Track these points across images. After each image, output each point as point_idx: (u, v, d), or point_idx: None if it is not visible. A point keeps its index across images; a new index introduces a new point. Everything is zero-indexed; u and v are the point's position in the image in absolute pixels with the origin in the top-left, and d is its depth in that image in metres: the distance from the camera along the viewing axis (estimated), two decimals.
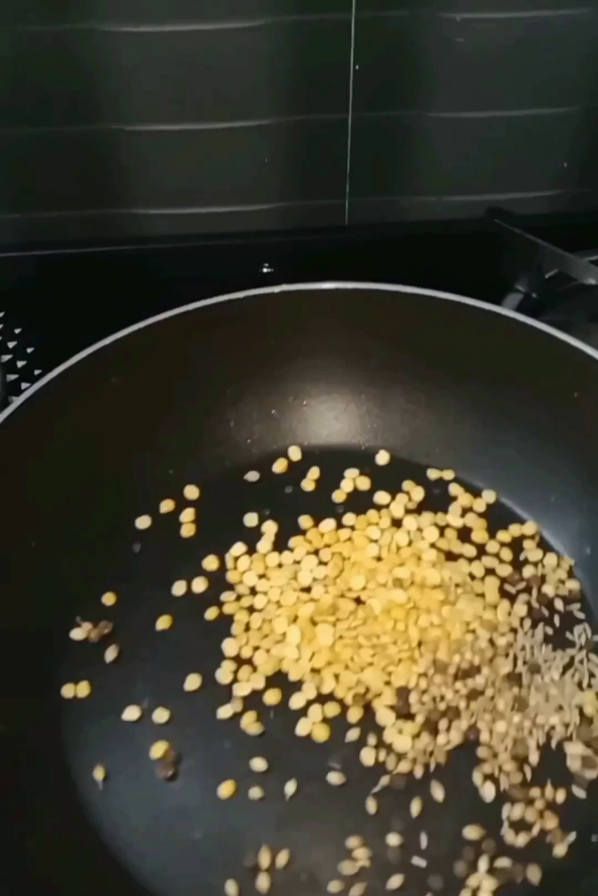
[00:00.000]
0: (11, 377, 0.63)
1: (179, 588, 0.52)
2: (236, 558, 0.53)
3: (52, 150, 0.71)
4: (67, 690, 0.48)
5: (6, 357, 0.65)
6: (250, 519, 0.55)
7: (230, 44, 0.67)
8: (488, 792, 0.45)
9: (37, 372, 0.63)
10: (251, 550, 0.54)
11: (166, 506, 0.55)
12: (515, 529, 0.54)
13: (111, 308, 0.66)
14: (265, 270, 0.73)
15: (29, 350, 0.66)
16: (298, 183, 0.75)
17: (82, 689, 0.48)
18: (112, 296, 0.69)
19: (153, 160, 0.72)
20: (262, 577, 0.53)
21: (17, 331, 0.67)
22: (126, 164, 0.72)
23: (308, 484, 0.57)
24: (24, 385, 0.62)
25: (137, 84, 0.68)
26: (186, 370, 0.54)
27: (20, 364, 0.65)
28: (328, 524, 0.55)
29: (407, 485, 0.56)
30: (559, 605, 0.51)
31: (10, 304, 0.69)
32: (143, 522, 0.54)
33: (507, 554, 0.53)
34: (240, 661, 0.49)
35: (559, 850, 0.43)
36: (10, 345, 0.66)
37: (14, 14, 0.63)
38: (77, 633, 0.50)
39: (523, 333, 0.54)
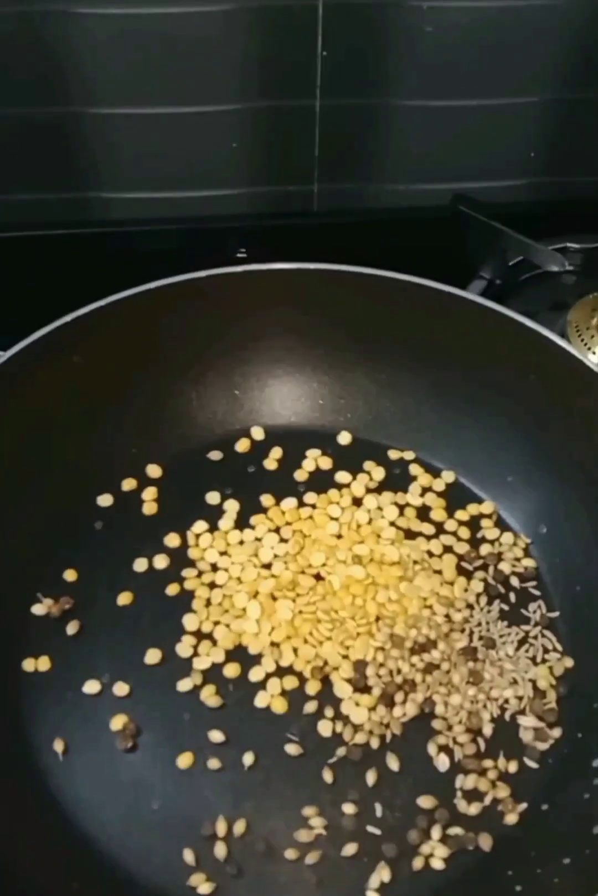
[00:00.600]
0: None
1: (140, 564, 0.52)
2: (198, 535, 0.54)
3: (21, 133, 0.70)
4: (28, 664, 0.48)
5: None
6: (213, 497, 0.55)
7: (199, 28, 0.67)
8: (442, 763, 0.46)
9: (1, 355, 0.63)
10: (213, 528, 0.54)
11: (128, 484, 0.55)
12: (473, 508, 0.55)
13: (81, 292, 0.67)
14: (240, 255, 0.73)
15: None
16: (266, 168, 0.75)
17: (43, 664, 0.48)
18: (82, 280, 0.68)
19: (122, 144, 0.72)
20: (223, 554, 0.53)
21: None
22: (95, 147, 0.72)
23: (270, 463, 0.57)
24: None
25: (106, 67, 0.68)
26: (148, 349, 0.55)
27: None
28: (290, 503, 0.55)
29: (368, 465, 0.57)
30: (514, 582, 0.52)
31: None
32: (104, 500, 0.55)
33: (465, 532, 0.54)
34: (200, 635, 0.50)
35: (511, 818, 0.44)
36: None
37: None
38: (38, 609, 0.50)
39: (482, 316, 0.54)
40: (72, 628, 0.50)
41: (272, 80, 0.71)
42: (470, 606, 0.51)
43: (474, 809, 0.44)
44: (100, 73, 0.68)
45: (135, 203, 0.75)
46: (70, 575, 0.51)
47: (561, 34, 0.68)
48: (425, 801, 0.45)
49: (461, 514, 0.55)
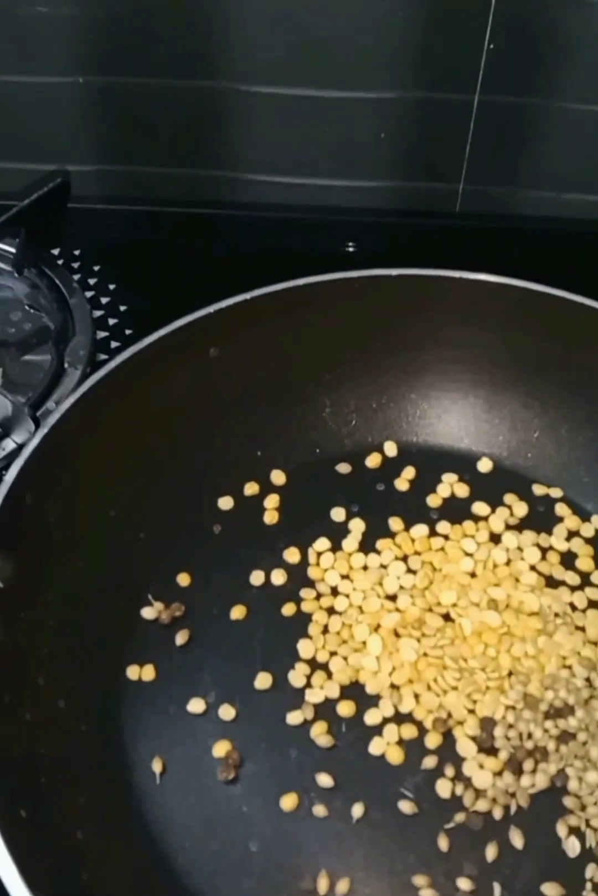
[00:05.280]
0: (102, 335, 0.61)
1: (257, 577, 0.49)
2: (320, 554, 0.50)
3: (165, 105, 0.69)
4: (132, 672, 0.45)
5: (98, 313, 0.62)
6: (338, 513, 0.52)
7: (362, 9, 0.64)
8: (572, 847, 0.41)
9: (128, 332, 0.61)
10: (336, 547, 0.51)
11: (251, 488, 0.52)
12: None
13: (204, 271, 0.65)
14: (351, 249, 0.70)
15: (122, 308, 0.63)
16: (412, 163, 0.72)
17: (148, 673, 0.45)
18: (207, 259, 0.67)
19: (266, 124, 0.70)
20: (345, 577, 0.49)
21: (111, 287, 0.65)
22: (239, 125, 0.70)
23: (402, 483, 0.53)
24: (113, 344, 0.60)
25: (259, 44, 0.66)
26: (285, 349, 0.52)
27: (111, 322, 0.62)
28: (420, 530, 0.51)
29: (509, 498, 0.52)
30: None
31: (106, 259, 0.67)
32: (225, 503, 0.52)
33: None
34: (315, 665, 0.46)
35: None
36: (103, 301, 0.64)
37: None
38: (148, 612, 0.47)
39: None
40: (181, 638, 0.47)
41: (432, 70, 0.67)
42: None
43: None
44: (252, 49, 0.67)
45: (270, 187, 0.73)
46: (183, 579, 0.49)
47: None
48: (550, 889, 0.40)
49: None
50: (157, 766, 0.43)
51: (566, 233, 0.71)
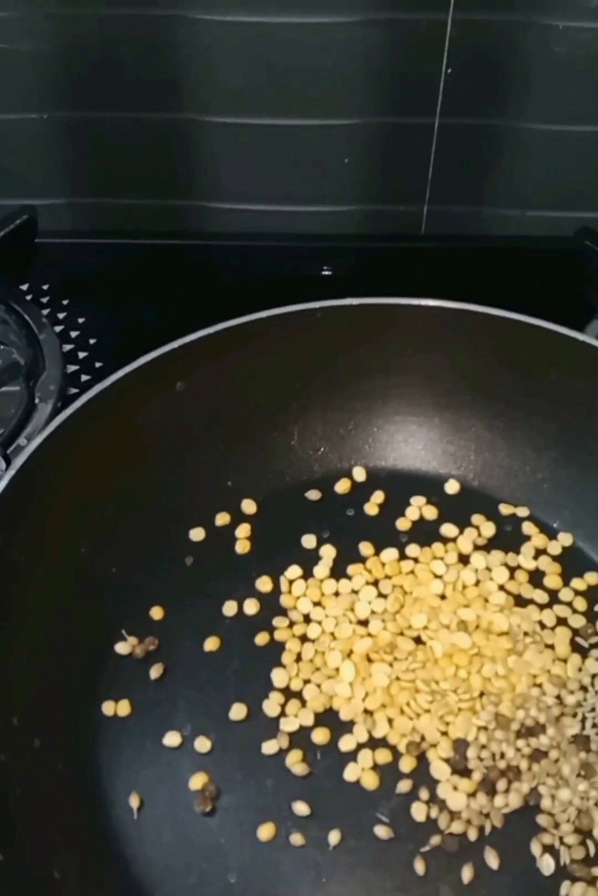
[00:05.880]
0: (72, 368, 0.61)
1: (229, 608, 0.49)
2: (291, 582, 0.51)
3: (132, 137, 0.70)
4: (107, 708, 0.45)
5: (68, 347, 0.63)
6: (308, 540, 0.52)
7: (322, 39, 0.65)
8: (546, 865, 0.41)
9: (98, 365, 0.61)
10: (307, 574, 0.51)
11: (222, 519, 0.53)
12: (591, 577, 0.51)
13: (175, 301, 0.65)
14: (325, 272, 0.70)
15: (91, 341, 0.64)
16: (376, 187, 0.73)
17: (123, 708, 0.46)
18: (176, 289, 0.67)
19: (233, 154, 0.71)
20: (317, 604, 0.50)
21: (80, 320, 0.65)
22: (204, 155, 0.71)
23: (371, 508, 0.54)
24: (84, 378, 0.60)
25: (222, 75, 0.67)
26: (252, 379, 0.52)
27: (81, 355, 0.62)
28: (390, 554, 0.52)
29: (477, 519, 0.53)
30: None
31: (75, 292, 0.67)
32: (197, 534, 0.52)
33: (581, 603, 0.50)
34: (289, 693, 0.46)
35: None
36: (73, 335, 0.64)
37: None
38: (122, 647, 0.47)
39: None
40: (155, 672, 0.47)
41: (393, 95, 0.69)
42: (584, 688, 0.46)
43: None
44: (215, 80, 0.67)
45: (239, 215, 0.74)
46: (157, 612, 0.49)
47: None
48: None
49: (578, 583, 0.50)
50: (134, 802, 0.43)
51: (529, 249, 0.73)
